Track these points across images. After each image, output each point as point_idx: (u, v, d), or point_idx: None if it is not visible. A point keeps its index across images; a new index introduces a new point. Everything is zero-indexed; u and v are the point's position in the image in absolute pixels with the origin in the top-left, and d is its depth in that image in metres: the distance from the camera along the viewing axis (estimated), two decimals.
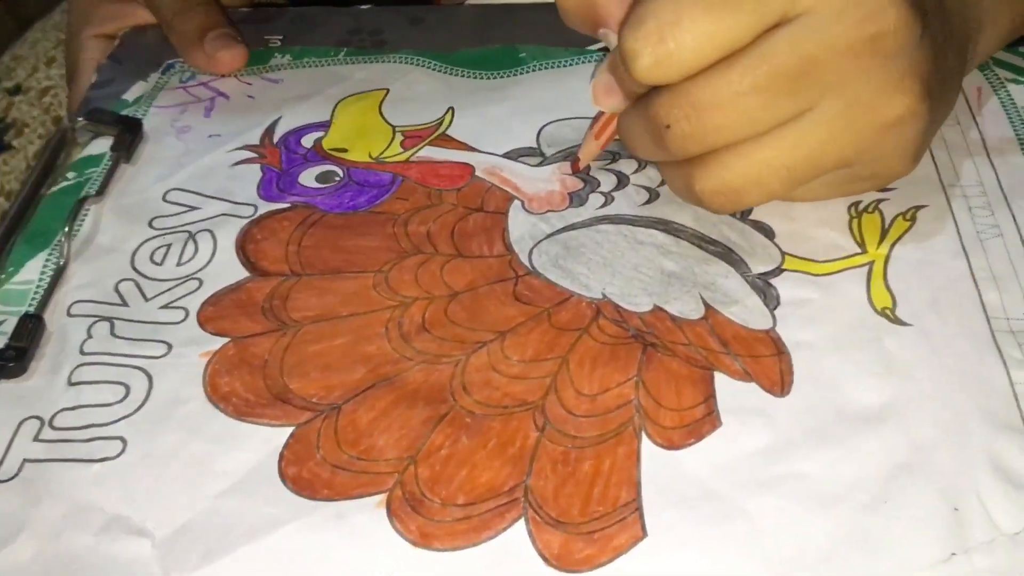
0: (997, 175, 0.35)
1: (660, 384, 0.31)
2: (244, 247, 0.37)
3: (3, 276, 0.37)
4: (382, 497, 0.29)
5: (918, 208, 0.35)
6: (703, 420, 0.30)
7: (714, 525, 0.27)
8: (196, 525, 0.29)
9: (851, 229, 0.35)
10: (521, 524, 0.28)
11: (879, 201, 0.35)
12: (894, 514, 0.27)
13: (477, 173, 0.39)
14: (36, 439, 0.31)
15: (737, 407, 0.30)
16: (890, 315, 0.32)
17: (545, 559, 0.27)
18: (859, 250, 0.34)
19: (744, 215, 0.36)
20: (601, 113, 0.35)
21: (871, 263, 0.33)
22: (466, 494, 0.29)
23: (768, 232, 0.35)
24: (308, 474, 0.30)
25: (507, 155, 0.40)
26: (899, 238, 0.34)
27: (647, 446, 0.29)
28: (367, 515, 0.28)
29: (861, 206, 0.35)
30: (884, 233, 0.34)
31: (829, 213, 0.35)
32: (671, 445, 0.29)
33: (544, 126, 0.41)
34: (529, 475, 0.29)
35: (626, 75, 0.30)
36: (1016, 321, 0.31)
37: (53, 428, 0.32)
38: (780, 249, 0.34)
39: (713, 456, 0.29)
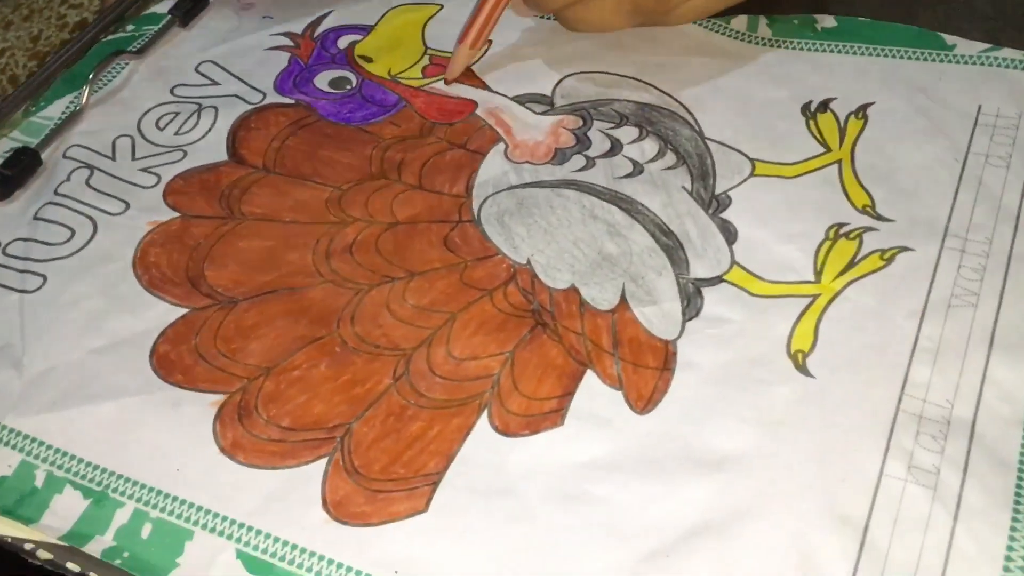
0: (1014, 240, 0.30)
1: (528, 367, 0.29)
2: (236, 132, 0.38)
3: (34, 108, 0.40)
4: (220, 398, 0.29)
5: (901, 250, 0.30)
6: (547, 415, 0.28)
7: (497, 521, 0.26)
8: (59, 372, 0.30)
9: (817, 252, 0.31)
10: (322, 463, 0.27)
11: (867, 229, 0.31)
12: (670, 572, 0.24)
13: (477, 111, 0.38)
14: None
15: (588, 413, 0.28)
16: (798, 361, 0.28)
17: (324, 502, 0.27)
18: (812, 278, 0.30)
19: (717, 210, 0.33)
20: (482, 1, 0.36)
21: (815, 296, 0.30)
22: (293, 419, 0.29)
23: (731, 235, 0.32)
24: (175, 356, 0.31)
25: (517, 98, 0.38)
26: (863, 276, 0.30)
27: (482, 425, 0.28)
28: (197, 410, 0.29)
29: (844, 229, 0.31)
30: (850, 265, 0.30)
31: (805, 228, 0.31)
32: (505, 431, 0.28)
33: (564, 78, 0.38)
34: (358, 419, 0.28)
35: None
36: (932, 406, 0.26)
37: (4, 254, 0.34)
38: (732, 257, 0.31)
39: (536, 454, 0.27)
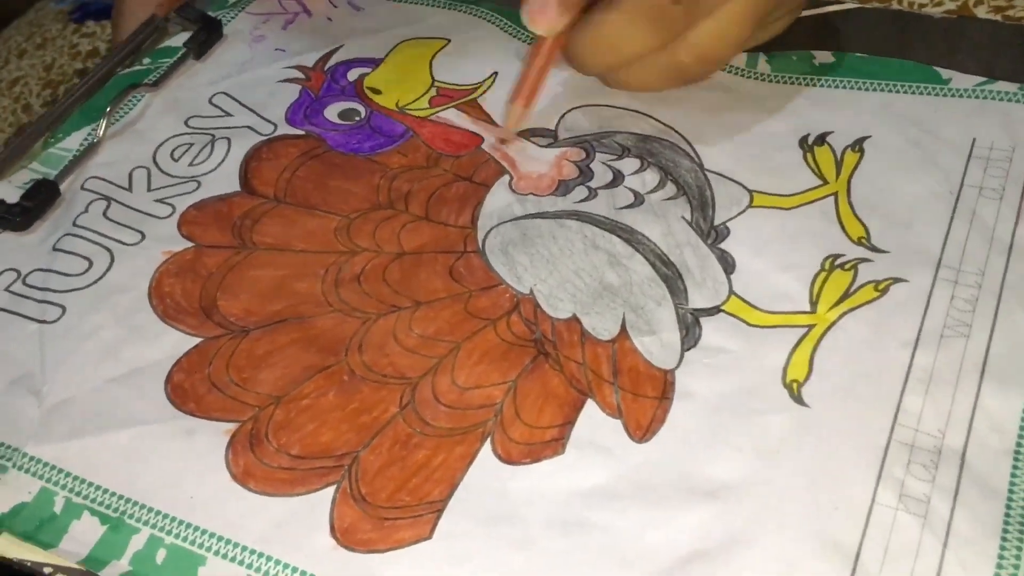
0: (1006, 271, 0.31)
1: (529, 396, 0.30)
2: (248, 163, 0.39)
3: (52, 140, 0.41)
4: (233, 427, 0.30)
5: (895, 281, 0.31)
6: (548, 444, 0.29)
7: (500, 548, 0.27)
8: (78, 401, 0.31)
9: (813, 283, 0.32)
10: (331, 491, 0.28)
11: (862, 260, 0.32)
12: None
13: (483, 146, 0.39)
14: (6, 289, 0.35)
15: (588, 441, 0.29)
16: (794, 391, 0.29)
17: (332, 529, 0.27)
18: (807, 308, 0.31)
19: (716, 241, 0.33)
20: (532, 60, 0.36)
21: (811, 327, 0.30)
22: (302, 447, 0.29)
23: (729, 265, 0.33)
24: (188, 385, 0.32)
25: (521, 133, 0.39)
26: (858, 307, 0.31)
27: (485, 453, 0.29)
28: (211, 439, 0.30)
29: (840, 260, 0.32)
30: (845, 296, 0.31)
31: (801, 259, 0.32)
32: (508, 459, 0.29)
33: (568, 111, 0.39)
34: (365, 447, 0.29)
35: None
36: (923, 436, 0.27)
37: (25, 284, 0.36)
38: (730, 287, 0.32)
39: (538, 481, 0.28)
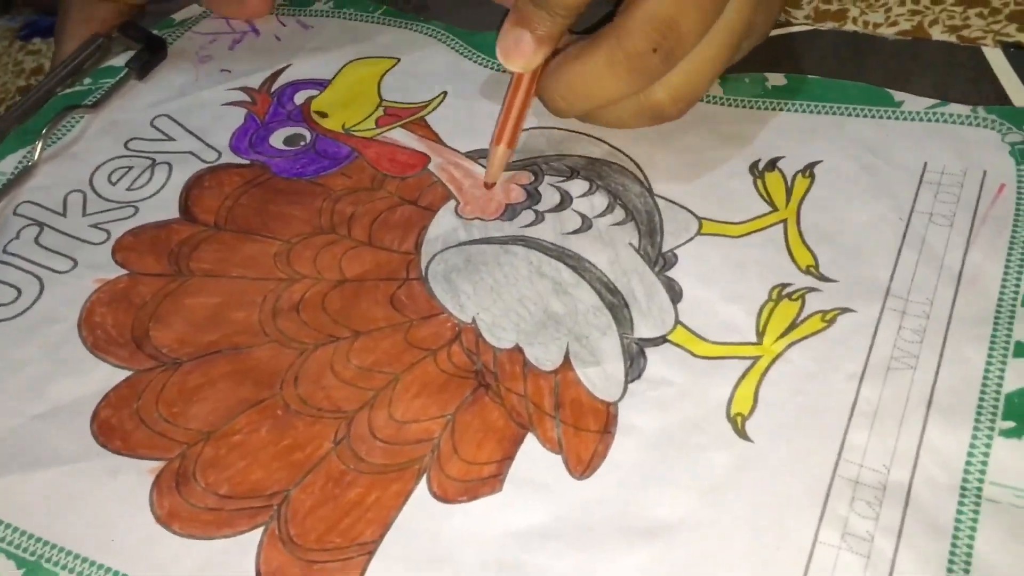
0: (955, 300, 0.30)
1: (468, 431, 0.29)
2: (189, 190, 0.38)
3: None
4: (159, 465, 0.29)
5: (843, 311, 0.30)
6: (486, 481, 0.28)
7: None
8: (1, 439, 0.30)
9: (760, 313, 0.31)
10: (258, 533, 0.27)
11: (810, 290, 0.31)
12: None
13: (430, 166, 0.38)
14: None
15: (526, 478, 0.28)
16: (738, 424, 0.28)
17: (257, 573, 0.26)
18: (754, 339, 0.30)
19: (663, 268, 0.33)
20: (511, 99, 0.35)
21: (756, 358, 0.30)
22: (231, 486, 0.28)
23: (676, 294, 0.32)
24: (116, 421, 0.30)
25: (469, 154, 0.38)
26: (804, 338, 0.30)
27: (420, 490, 0.28)
28: (135, 478, 0.29)
29: (787, 290, 0.31)
30: (792, 326, 0.30)
31: (748, 289, 0.32)
32: (443, 497, 0.28)
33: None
34: (297, 485, 0.28)
35: (547, 17, 0.33)
36: (868, 471, 0.26)
37: None
38: (676, 316, 0.31)
39: (474, 521, 0.27)
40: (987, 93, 0.37)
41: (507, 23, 0.34)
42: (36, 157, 0.39)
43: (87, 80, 0.43)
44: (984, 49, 0.38)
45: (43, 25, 0.58)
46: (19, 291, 0.35)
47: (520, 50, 0.34)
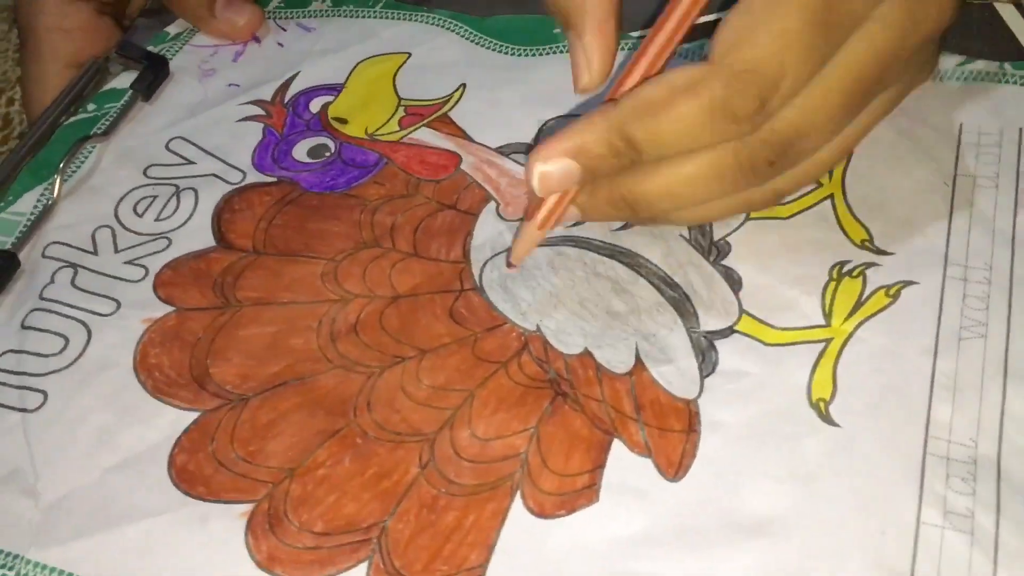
0: (1013, 262, 0.31)
1: (554, 442, 0.29)
2: (220, 216, 0.37)
3: (2, 204, 0.39)
4: (248, 508, 0.29)
5: (906, 284, 0.31)
6: (581, 492, 0.28)
7: None
8: (78, 495, 0.30)
9: (824, 294, 0.31)
10: (363, 568, 0.27)
11: (869, 265, 0.31)
12: None
13: (463, 166, 0.37)
14: None
15: (620, 485, 0.28)
16: (822, 410, 0.28)
17: None
18: (822, 322, 0.30)
19: (718, 258, 0.33)
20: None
21: (828, 340, 0.30)
22: (325, 523, 0.28)
23: (736, 283, 0.32)
24: (193, 466, 0.30)
25: (500, 149, 0.38)
26: (873, 315, 0.30)
27: (516, 508, 0.28)
28: (227, 524, 0.28)
29: (847, 267, 0.32)
30: (858, 305, 0.31)
31: (808, 271, 0.32)
32: (541, 512, 0.28)
33: (547, 121, 0.38)
34: (392, 515, 0.28)
35: (619, 134, 0.27)
36: (957, 446, 0.27)
37: None
38: (740, 305, 0.31)
39: (577, 534, 0.27)
40: (1008, 50, 0.37)
41: (562, 137, 0.29)
42: (56, 193, 0.38)
43: (91, 106, 0.42)
44: (997, 6, 0.38)
45: None
46: (67, 339, 0.34)
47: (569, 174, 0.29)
